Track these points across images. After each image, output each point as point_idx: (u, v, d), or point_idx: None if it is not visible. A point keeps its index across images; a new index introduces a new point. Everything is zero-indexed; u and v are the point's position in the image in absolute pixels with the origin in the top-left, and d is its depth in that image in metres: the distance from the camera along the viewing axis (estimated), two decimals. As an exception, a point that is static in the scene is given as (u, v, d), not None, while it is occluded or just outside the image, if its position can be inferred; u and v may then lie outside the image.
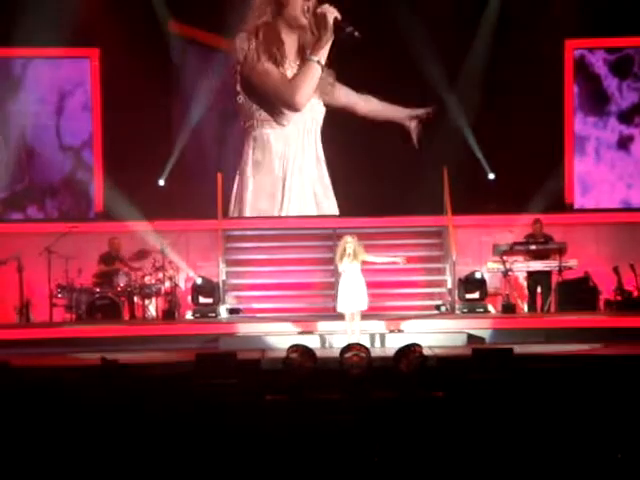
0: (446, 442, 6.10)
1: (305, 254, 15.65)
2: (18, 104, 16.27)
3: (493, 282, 15.04)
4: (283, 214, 16.18)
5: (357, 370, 6.93)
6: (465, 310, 14.44)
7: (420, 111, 16.09)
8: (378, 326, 13.13)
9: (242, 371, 9.61)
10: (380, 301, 14.48)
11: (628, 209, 16.37)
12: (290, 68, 16.01)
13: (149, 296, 15.04)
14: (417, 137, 16.09)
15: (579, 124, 16.51)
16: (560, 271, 14.68)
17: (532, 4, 15.90)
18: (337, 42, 15.56)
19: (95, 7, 15.70)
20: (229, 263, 15.51)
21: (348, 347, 7.15)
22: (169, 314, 14.54)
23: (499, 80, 15.82)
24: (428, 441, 6.23)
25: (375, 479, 5.87)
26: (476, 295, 14.58)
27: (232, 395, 7.80)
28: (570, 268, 14.74)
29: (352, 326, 12.11)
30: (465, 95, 16.00)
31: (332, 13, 15.36)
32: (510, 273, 14.75)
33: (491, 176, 16.06)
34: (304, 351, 7.19)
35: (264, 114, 16.09)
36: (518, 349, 10.32)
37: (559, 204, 16.26)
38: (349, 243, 12.10)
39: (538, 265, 14.86)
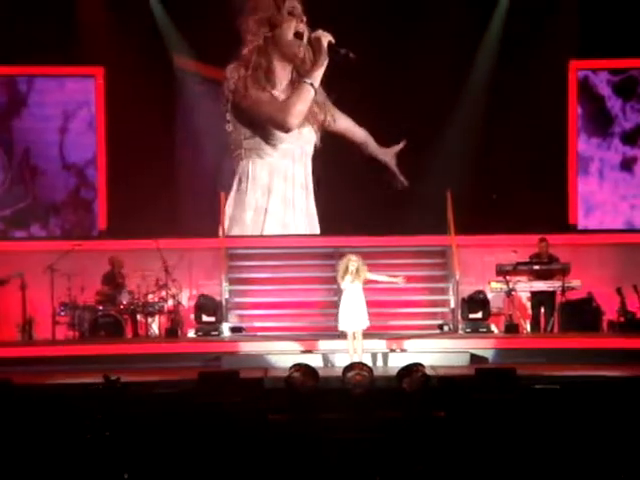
0: (448, 462, 6.08)
1: (308, 273, 15.66)
2: (22, 122, 16.32)
3: (496, 302, 15.02)
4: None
5: (360, 389, 6.91)
6: (468, 330, 14.42)
7: (397, 147, 16.15)
8: (381, 345, 13.10)
9: (245, 390, 9.60)
10: (383, 320, 14.46)
11: (631, 230, 16.35)
12: (281, 93, 16.13)
13: (152, 314, 15.02)
14: (399, 176, 16.18)
15: (583, 145, 16.52)
16: (563, 291, 14.66)
17: (535, 25, 15.93)
18: (333, 66, 15.64)
19: (101, 26, 15.79)
20: (232, 282, 15.51)
21: (351, 366, 7.14)
22: (172, 332, 14.52)
23: (502, 100, 15.86)
24: (430, 461, 6.21)
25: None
26: (479, 315, 14.57)
27: (235, 414, 7.79)
28: (573, 289, 14.72)
29: (354, 345, 12.09)
30: (468, 115, 16.04)
31: (326, 37, 15.55)
32: (513, 293, 14.74)
33: (494, 196, 16.07)
34: (307, 370, 7.18)
35: (251, 143, 16.20)
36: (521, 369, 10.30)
37: (562, 224, 16.27)
38: (352, 261, 12.10)
39: (541, 285, 14.84)
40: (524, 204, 15.72)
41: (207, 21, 15.76)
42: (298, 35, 15.85)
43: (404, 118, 16.02)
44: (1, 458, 6.21)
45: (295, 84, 16.09)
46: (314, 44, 15.72)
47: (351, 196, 15.81)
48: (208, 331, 14.52)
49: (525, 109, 15.69)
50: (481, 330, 14.39)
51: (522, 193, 15.84)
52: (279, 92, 16.18)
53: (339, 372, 7.25)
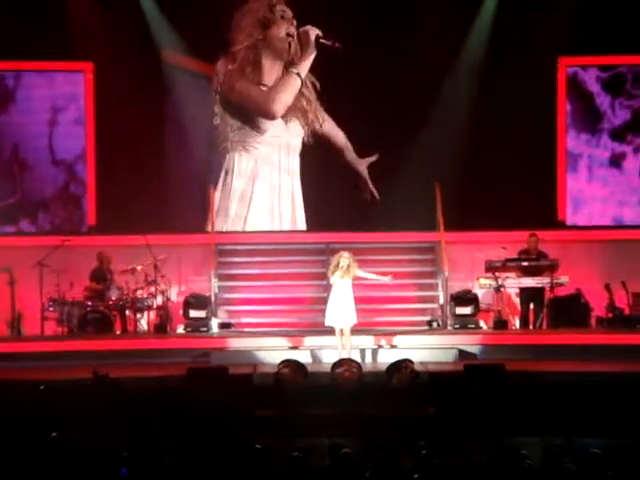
0: (438, 457, 6.10)
1: (297, 269, 15.64)
2: (11, 117, 16.27)
3: (485, 298, 15.04)
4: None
5: (348, 385, 6.94)
6: (457, 326, 14.42)
7: (371, 159, 16.16)
8: (369, 341, 13.10)
9: (233, 386, 9.60)
10: (372, 316, 14.47)
11: (620, 226, 16.37)
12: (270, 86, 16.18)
13: (141, 310, 14.99)
14: (370, 187, 16.20)
15: (571, 141, 16.53)
16: (552, 288, 14.67)
17: (525, 21, 15.93)
18: (320, 60, 15.70)
19: (89, 21, 15.75)
20: (221, 277, 15.49)
21: (339, 362, 7.17)
22: (161, 328, 14.51)
23: (491, 97, 15.86)
24: (419, 455, 6.22)
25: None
26: (468, 311, 14.57)
27: (223, 410, 7.80)
28: (561, 285, 14.74)
29: (343, 341, 12.10)
30: (457, 112, 16.05)
31: (314, 31, 15.67)
32: (502, 289, 14.76)
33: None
34: (295, 366, 7.20)
35: (238, 135, 16.20)
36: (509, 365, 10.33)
37: (551, 221, 16.28)
38: (344, 258, 12.17)
39: (530, 282, 14.85)
40: (513, 200, 15.75)
41: (197, 16, 15.75)
42: (289, 35, 15.93)
43: (392, 115, 16.03)
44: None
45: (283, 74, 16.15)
46: (302, 37, 15.83)
47: (340, 192, 15.83)
48: (197, 327, 14.50)
49: (514, 106, 15.67)
50: (470, 326, 14.39)
51: (511, 189, 15.85)
52: (268, 86, 16.18)
53: (328, 368, 7.28)
